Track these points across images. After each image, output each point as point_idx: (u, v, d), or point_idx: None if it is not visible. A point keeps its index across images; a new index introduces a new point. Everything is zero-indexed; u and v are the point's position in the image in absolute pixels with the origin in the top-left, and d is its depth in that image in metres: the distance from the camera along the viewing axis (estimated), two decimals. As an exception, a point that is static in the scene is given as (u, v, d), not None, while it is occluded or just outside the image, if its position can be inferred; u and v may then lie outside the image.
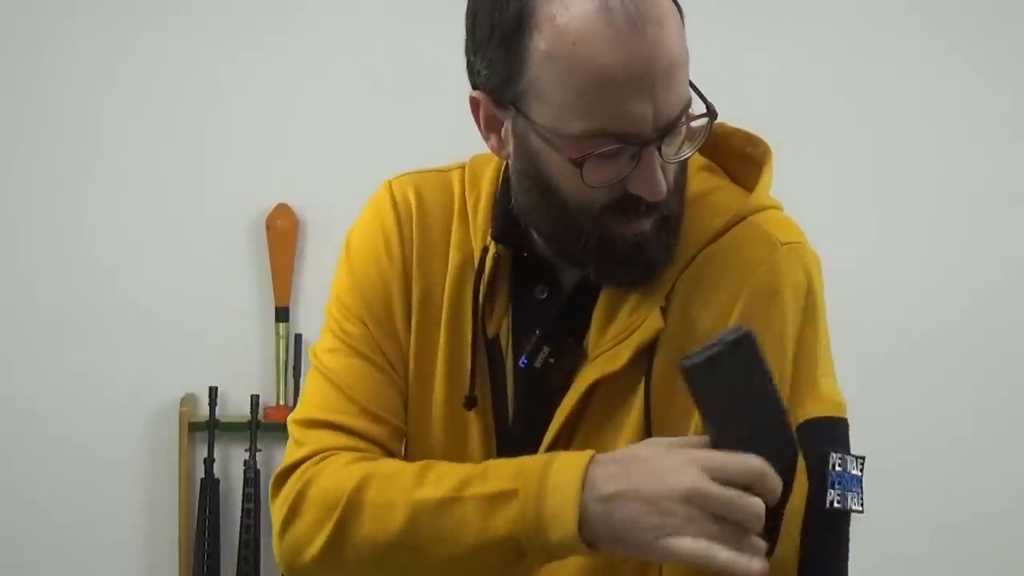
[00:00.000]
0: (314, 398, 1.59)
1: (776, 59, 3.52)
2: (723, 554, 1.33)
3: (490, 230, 1.58)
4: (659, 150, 1.42)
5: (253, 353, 3.52)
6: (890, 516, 3.45)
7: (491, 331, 1.58)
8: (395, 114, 3.47)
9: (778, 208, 1.56)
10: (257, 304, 3.52)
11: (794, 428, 1.42)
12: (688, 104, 1.44)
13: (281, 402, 3.49)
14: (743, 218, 1.52)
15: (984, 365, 3.55)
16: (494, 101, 1.48)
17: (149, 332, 3.49)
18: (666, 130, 1.42)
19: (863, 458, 1.46)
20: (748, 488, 1.35)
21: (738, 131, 1.59)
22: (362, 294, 1.60)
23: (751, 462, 1.36)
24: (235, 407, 3.51)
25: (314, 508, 1.50)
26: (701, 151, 1.56)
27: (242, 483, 3.44)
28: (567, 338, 1.53)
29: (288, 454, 1.57)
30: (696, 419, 1.46)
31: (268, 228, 3.47)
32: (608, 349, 1.51)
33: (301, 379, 3.46)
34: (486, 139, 1.52)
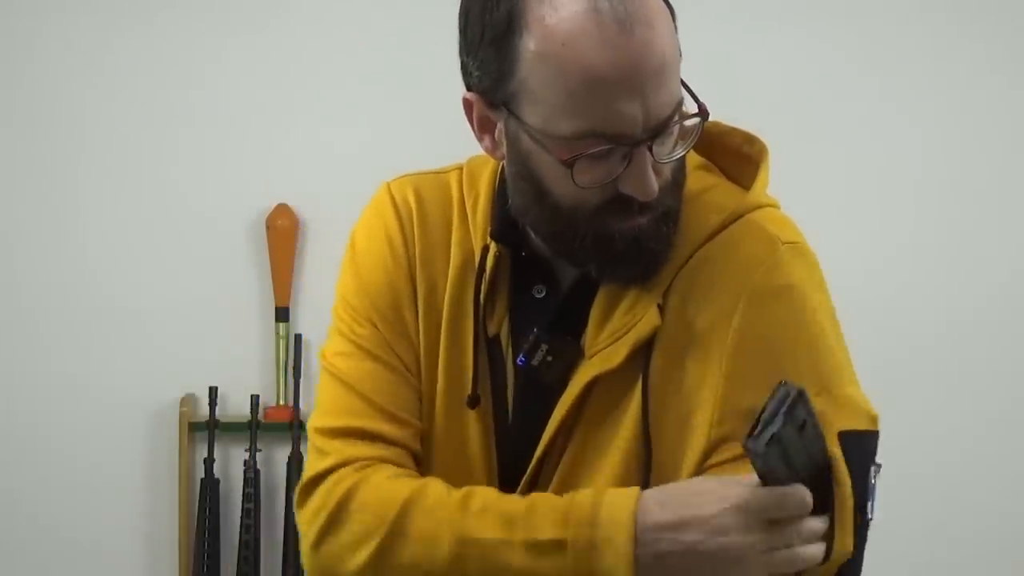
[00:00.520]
0: (331, 404, 1.59)
1: (777, 59, 3.52)
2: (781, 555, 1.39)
3: (489, 230, 1.58)
4: (650, 150, 1.43)
5: (253, 353, 3.52)
6: (891, 517, 3.44)
7: (491, 330, 1.58)
8: (395, 114, 3.47)
9: (775, 206, 1.56)
10: (257, 304, 3.52)
11: (833, 439, 1.44)
12: (680, 104, 1.44)
13: (281, 402, 3.48)
14: (740, 216, 1.52)
15: (988, 366, 3.54)
16: (486, 102, 1.48)
17: (149, 332, 3.49)
18: (657, 130, 1.43)
19: (880, 466, 1.48)
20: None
21: (735, 130, 1.59)
22: (370, 296, 1.60)
23: (791, 494, 1.39)
24: (235, 407, 3.51)
25: (356, 523, 1.50)
26: (698, 150, 1.56)
27: (242, 483, 3.44)
28: (565, 336, 1.54)
29: (311, 464, 1.56)
30: (695, 417, 1.47)
31: (268, 228, 3.48)
32: (605, 347, 1.51)
33: (301, 379, 3.46)
34: (480, 140, 1.53)
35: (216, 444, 3.44)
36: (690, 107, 1.46)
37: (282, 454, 3.48)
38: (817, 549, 1.42)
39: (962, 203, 3.55)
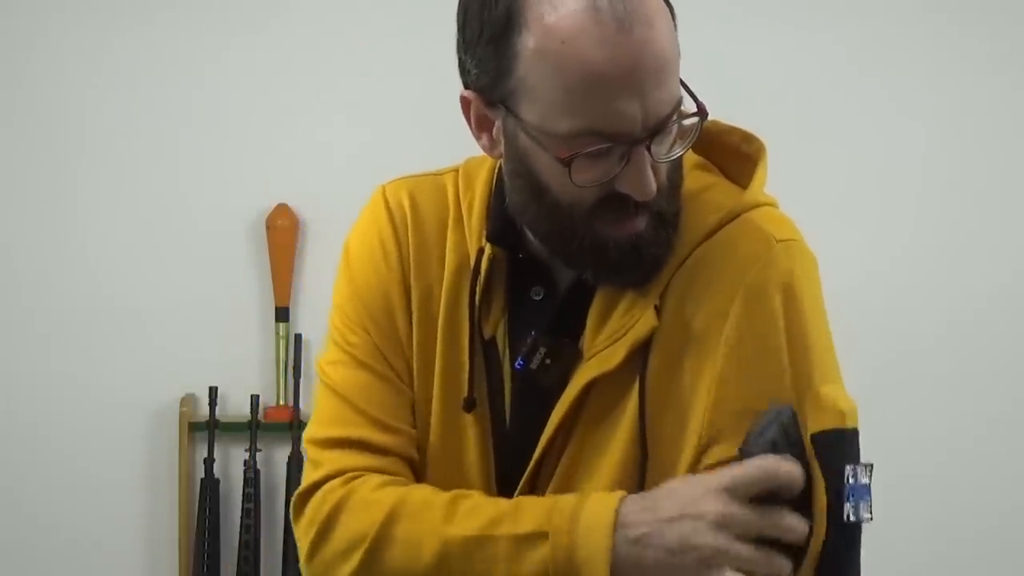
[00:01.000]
0: (324, 414, 1.59)
1: (778, 58, 3.51)
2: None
3: (485, 232, 1.58)
4: (649, 149, 1.42)
5: (253, 353, 3.52)
6: (891, 518, 3.44)
7: (488, 332, 1.58)
8: (395, 114, 3.47)
9: (773, 205, 1.56)
10: (257, 304, 3.52)
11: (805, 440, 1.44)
12: (679, 103, 1.44)
13: (281, 402, 3.48)
14: (737, 215, 1.52)
15: (989, 366, 3.54)
16: (484, 100, 1.48)
17: (149, 332, 3.49)
18: (656, 129, 1.42)
19: (871, 466, 1.47)
20: (775, 493, 1.40)
21: (734, 129, 1.59)
22: (363, 302, 1.60)
23: (764, 463, 1.39)
24: (235, 407, 3.51)
25: (345, 533, 1.51)
26: (696, 149, 1.56)
27: (242, 483, 3.44)
28: (563, 339, 1.53)
29: (306, 475, 1.57)
30: (690, 418, 1.47)
31: (268, 228, 3.47)
32: (603, 349, 1.51)
33: (301, 379, 3.46)
34: (477, 139, 1.52)
35: (216, 444, 3.44)
36: (689, 106, 1.45)
37: (282, 454, 3.48)
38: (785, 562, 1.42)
39: (963, 203, 3.54)
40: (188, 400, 3.46)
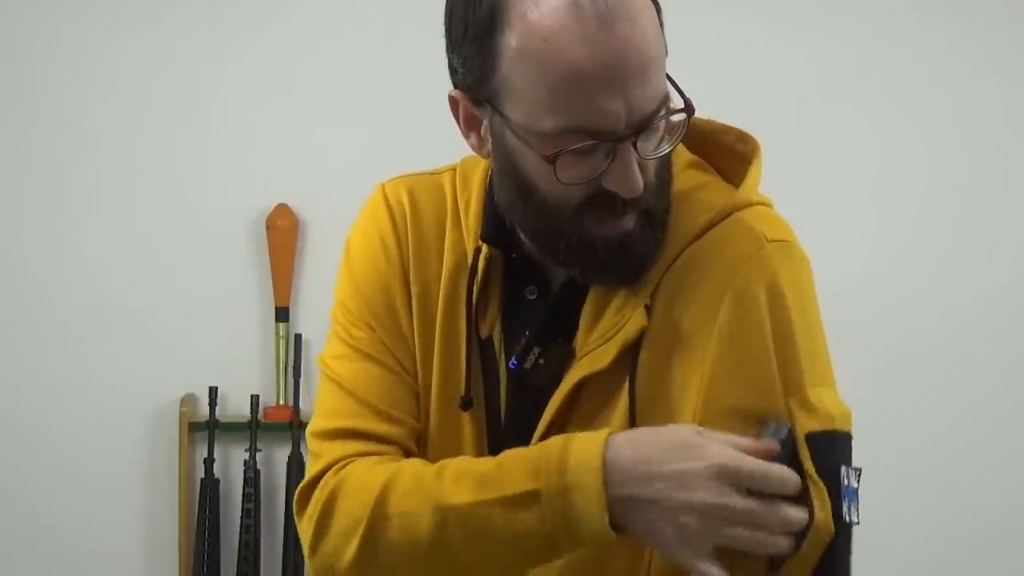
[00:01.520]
0: (326, 407, 1.59)
1: (777, 59, 3.51)
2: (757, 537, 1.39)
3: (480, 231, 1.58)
4: (635, 146, 1.42)
5: (253, 353, 3.52)
6: (891, 518, 3.44)
7: (484, 332, 1.58)
8: (395, 114, 3.47)
9: (766, 204, 1.55)
10: (257, 304, 3.52)
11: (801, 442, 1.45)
12: (665, 100, 1.43)
13: (281, 402, 3.49)
14: (729, 214, 1.52)
15: (989, 366, 3.54)
16: (471, 99, 1.48)
17: (149, 332, 3.49)
18: (641, 126, 1.42)
19: (860, 470, 1.47)
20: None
21: (729, 128, 1.59)
22: (365, 298, 1.60)
23: (783, 472, 1.41)
24: (235, 407, 3.51)
25: (342, 517, 1.51)
26: (692, 149, 1.56)
27: (242, 483, 3.44)
28: (556, 338, 1.54)
29: (308, 469, 1.57)
30: (679, 418, 1.47)
31: (268, 228, 3.48)
32: (595, 348, 1.51)
33: (301, 379, 3.46)
34: (466, 138, 1.53)
35: (216, 444, 3.45)
36: (677, 103, 1.45)
37: (282, 454, 3.48)
38: (786, 541, 1.41)
39: (962, 203, 3.54)
40: (188, 400, 3.46)
